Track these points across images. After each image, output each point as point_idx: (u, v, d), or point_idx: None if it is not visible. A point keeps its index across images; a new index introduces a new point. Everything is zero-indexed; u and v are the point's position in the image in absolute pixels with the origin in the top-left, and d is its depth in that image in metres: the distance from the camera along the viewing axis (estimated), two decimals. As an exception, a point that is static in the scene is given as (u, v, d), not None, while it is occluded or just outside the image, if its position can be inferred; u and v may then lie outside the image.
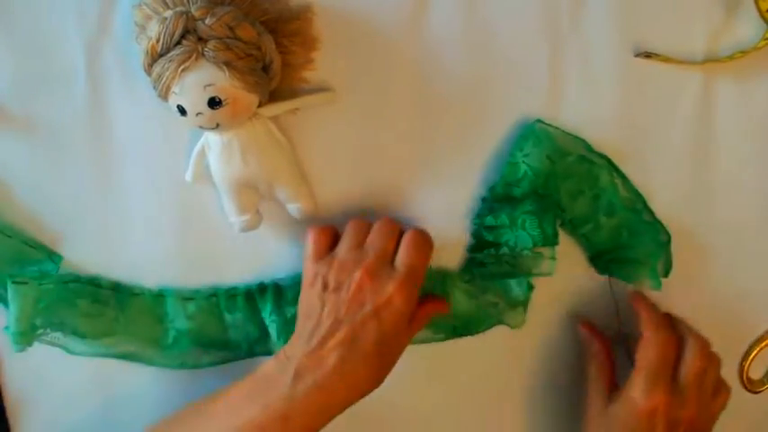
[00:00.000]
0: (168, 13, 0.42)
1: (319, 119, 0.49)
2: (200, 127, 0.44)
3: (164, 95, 0.43)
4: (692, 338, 0.48)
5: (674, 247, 0.51)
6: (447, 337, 0.53)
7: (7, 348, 0.53)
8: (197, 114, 0.43)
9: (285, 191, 0.48)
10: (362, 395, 0.44)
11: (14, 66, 0.48)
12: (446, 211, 0.51)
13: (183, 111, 0.43)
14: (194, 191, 0.50)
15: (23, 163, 0.50)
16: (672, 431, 0.46)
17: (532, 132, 0.48)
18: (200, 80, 0.42)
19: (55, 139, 0.50)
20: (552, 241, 0.47)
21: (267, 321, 0.50)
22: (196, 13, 0.41)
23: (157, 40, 0.41)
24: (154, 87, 0.43)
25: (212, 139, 0.46)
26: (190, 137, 0.49)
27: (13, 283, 0.48)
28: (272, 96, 0.46)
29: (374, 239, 0.47)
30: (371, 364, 0.44)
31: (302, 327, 0.46)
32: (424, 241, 0.47)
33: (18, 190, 0.51)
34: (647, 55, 0.47)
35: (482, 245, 0.50)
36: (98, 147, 0.50)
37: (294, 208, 0.49)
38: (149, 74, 0.43)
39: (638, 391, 0.46)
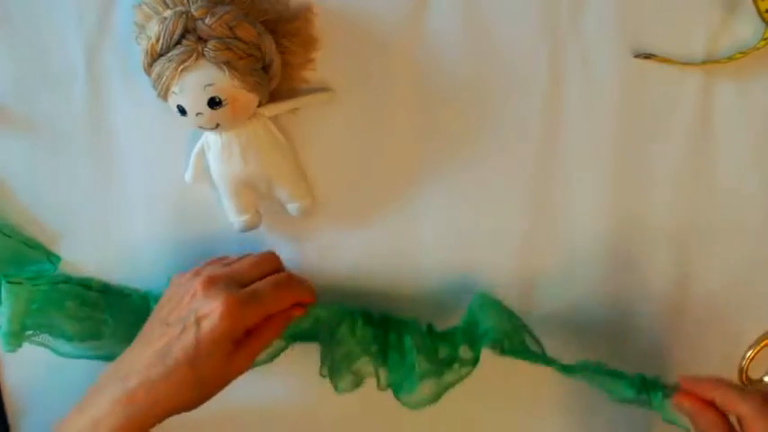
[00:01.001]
0: (168, 13, 0.42)
1: (319, 119, 0.49)
2: (200, 127, 0.44)
3: (163, 95, 0.43)
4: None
5: (674, 246, 0.51)
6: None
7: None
8: (197, 114, 0.43)
9: (285, 190, 0.48)
10: (173, 410, 0.43)
11: (14, 66, 0.48)
12: (446, 211, 0.51)
13: (182, 111, 0.43)
14: (194, 191, 0.50)
15: (23, 163, 0.50)
16: None
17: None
18: (199, 80, 0.42)
19: (55, 139, 0.50)
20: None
21: None
22: (196, 13, 0.41)
23: (157, 40, 0.42)
24: (154, 87, 0.43)
25: (212, 139, 0.46)
26: (190, 137, 0.49)
27: (8, 282, 0.48)
28: (272, 96, 0.46)
29: (240, 261, 0.47)
30: (180, 376, 0.42)
31: (141, 332, 0.46)
32: (291, 285, 0.46)
33: (18, 190, 0.51)
34: (647, 55, 0.47)
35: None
36: (98, 147, 0.50)
37: (294, 207, 0.49)
38: (149, 74, 0.43)
39: None
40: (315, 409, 0.56)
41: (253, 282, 0.45)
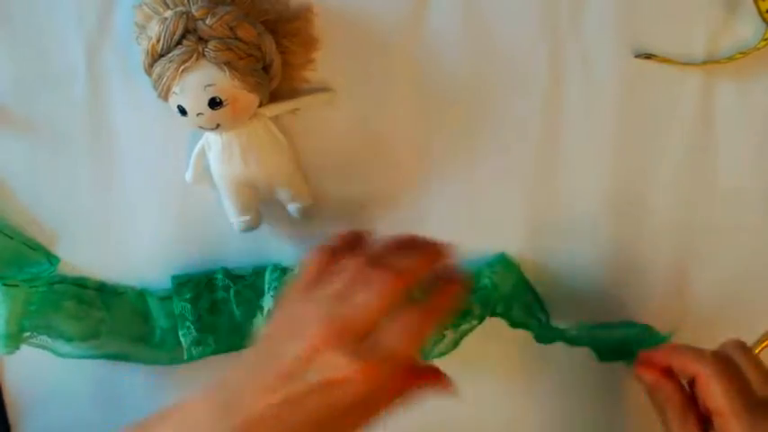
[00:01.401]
0: (168, 14, 0.42)
1: (319, 119, 0.49)
2: (201, 127, 0.44)
3: (164, 96, 0.43)
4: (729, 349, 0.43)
5: (674, 246, 0.51)
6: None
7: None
8: (197, 114, 0.43)
9: (285, 191, 0.48)
10: None
11: (14, 66, 0.48)
12: (446, 211, 0.51)
13: (183, 111, 0.43)
14: (194, 191, 0.50)
15: (23, 163, 0.50)
16: None
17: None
18: (200, 80, 0.42)
19: (55, 139, 0.50)
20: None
21: (266, 293, 0.50)
22: (196, 14, 0.41)
23: (158, 41, 0.41)
24: (154, 88, 0.43)
25: (212, 140, 0.46)
26: (190, 137, 0.49)
27: (4, 285, 0.48)
28: (272, 96, 0.46)
29: (365, 292, 0.38)
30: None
31: (252, 355, 0.39)
32: (426, 325, 0.39)
33: (18, 190, 0.51)
34: (648, 55, 0.47)
35: None
36: (98, 147, 0.50)
37: (294, 208, 0.49)
38: (149, 74, 0.43)
39: None
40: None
41: (379, 320, 0.37)
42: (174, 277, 0.51)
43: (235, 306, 0.51)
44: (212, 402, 0.38)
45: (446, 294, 0.41)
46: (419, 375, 0.40)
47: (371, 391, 0.36)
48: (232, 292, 0.51)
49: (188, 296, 0.50)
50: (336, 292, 0.38)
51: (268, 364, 0.38)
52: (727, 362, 0.43)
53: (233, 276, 0.51)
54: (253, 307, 0.51)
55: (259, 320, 0.51)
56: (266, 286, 0.50)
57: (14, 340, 0.49)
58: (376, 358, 0.36)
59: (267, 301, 0.50)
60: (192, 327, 0.50)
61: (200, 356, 0.51)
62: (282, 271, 0.51)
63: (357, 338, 0.37)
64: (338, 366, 0.36)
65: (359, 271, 0.39)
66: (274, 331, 0.40)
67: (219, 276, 0.51)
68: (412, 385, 0.39)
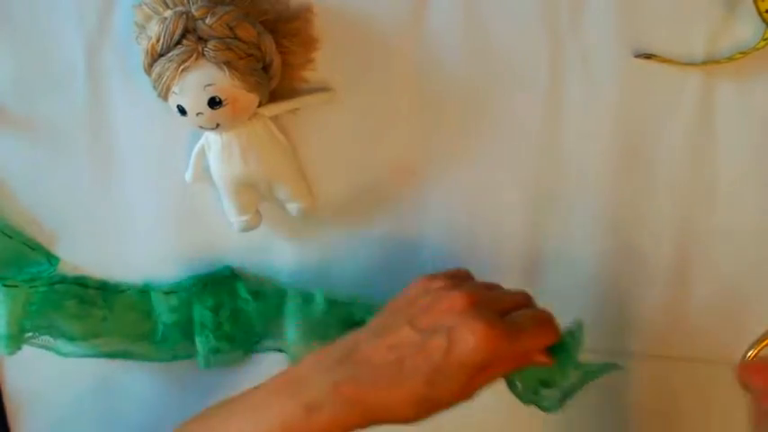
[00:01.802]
0: (168, 13, 0.42)
1: (319, 119, 0.49)
2: (200, 127, 0.44)
3: (164, 95, 0.43)
4: None
5: (674, 246, 0.51)
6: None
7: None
8: (197, 114, 0.43)
9: (285, 190, 0.48)
10: (389, 420, 0.39)
11: (14, 66, 0.48)
12: (446, 211, 0.51)
13: (183, 111, 0.43)
14: (194, 191, 0.50)
15: (23, 163, 0.50)
16: None
17: None
18: (200, 80, 0.42)
19: (55, 139, 0.50)
20: None
21: (288, 321, 0.49)
22: (196, 13, 0.41)
23: (157, 40, 0.42)
24: (154, 87, 0.43)
25: (212, 139, 0.46)
26: (190, 137, 0.49)
27: (4, 286, 0.48)
28: (272, 96, 0.46)
29: (499, 289, 0.43)
30: (412, 389, 0.39)
31: (373, 324, 0.42)
32: (551, 325, 0.42)
33: (18, 190, 0.51)
34: (648, 55, 0.47)
35: None
36: (98, 147, 0.50)
37: (294, 207, 0.49)
38: (149, 74, 0.43)
39: None
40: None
41: (509, 309, 0.41)
42: (193, 278, 0.51)
43: (255, 320, 0.51)
44: (330, 354, 0.41)
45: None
46: (523, 359, 0.42)
47: (489, 357, 0.38)
48: (252, 306, 0.51)
49: (209, 304, 0.50)
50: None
51: (396, 323, 0.40)
52: None
53: (255, 292, 0.51)
54: (272, 323, 0.51)
55: (278, 343, 0.51)
56: (288, 315, 0.50)
57: (16, 341, 0.49)
58: (505, 330, 0.39)
59: (290, 332, 0.49)
60: (212, 335, 0.50)
61: (217, 365, 0.51)
62: (304, 300, 0.50)
63: (490, 309, 0.40)
64: (469, 322, 0.38)
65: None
66: (400, 306, 0.42)
67: (241, 288, 0.51)
68: (514, 365, 0.42)
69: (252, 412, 0.40)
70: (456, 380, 0.39)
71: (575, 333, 0.44)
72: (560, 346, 0.43)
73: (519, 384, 0.45)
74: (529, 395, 0.45)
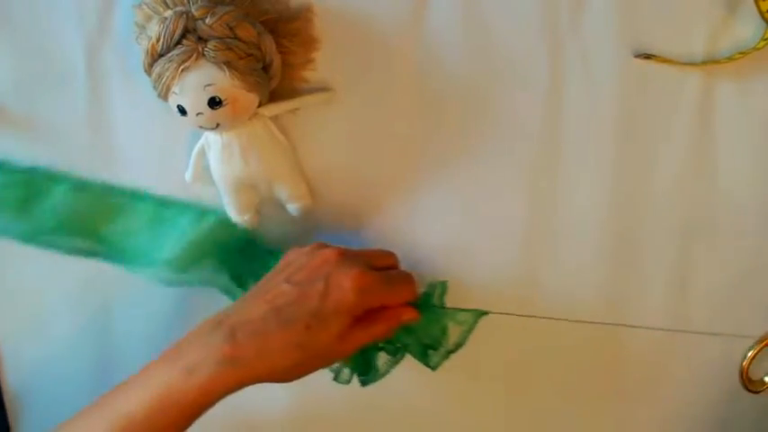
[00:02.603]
0: (168, 13, 0.42)
1: (319, 119, 0.49)
2: (200, 127, 0.44)
3: (164, 95, 0.43)
4: None
5: (674, 245, 0.51)
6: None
7: (7, 346, 0.53)
8: (197, 114, 0.43)
9: (285, 190, 0.48)
10: (273, 374, 0.41)
11: (14, 66, 0.48)
12: (446, 211, 0.51)
13: (183, 111, 0.43)
14: (194, 191, 0.50)
15: (23, 163, 0.50)
16: None
17: None
18: (200, 80, 0.42)
19: (55, 139, 0.50)
20: None
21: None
22: (196, 13, 0.41)
23: (157, 40, 0.42)
24: (154, 87, 0.43)
25: (212, 139, 0.46)
26: (190, 137, 0.49)
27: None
28: (272, 96, 0.46)
29: (367, 250, 0.46)
30: (293, 335, 0.41)
31: (251, 290, 0.44)
32: (413, 282, 0.46)
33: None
34: (647, 56, 0.47)
35: None
36: (98, 147, 0.50)
37: (294, 207, 0.49)
38: (149, 74, 0.43)
39: None
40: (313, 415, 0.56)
41: (377, 267, 0.45)
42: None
43: None
44: (207, 324, 0.42)
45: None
46: (394, 317, 0.45)
47: (364, 299, 0.42)
48: None
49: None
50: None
51: (271, 285, 0.43)
52: None
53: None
54: None
55: None
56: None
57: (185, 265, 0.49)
58: (376, 275, 0.43)
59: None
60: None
61: None
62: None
63: (362, 261, 0.43)
64: (344, 269, 0.42)
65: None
66: (276, 271, 0.45)
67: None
68: (387, 324, 0.44)
69: (140, 382, 0.41)
70: (335, 324, 0.41)
71: (437, 289, 0.49)
72: (425, 304, 0.48)
73: (407, 347, 0.49)
74: (418, 357, 0.49)
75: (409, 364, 0.49)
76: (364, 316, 0.43)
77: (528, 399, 0.55)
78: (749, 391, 0.54)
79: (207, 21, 0.41)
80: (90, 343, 0.53)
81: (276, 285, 0.43)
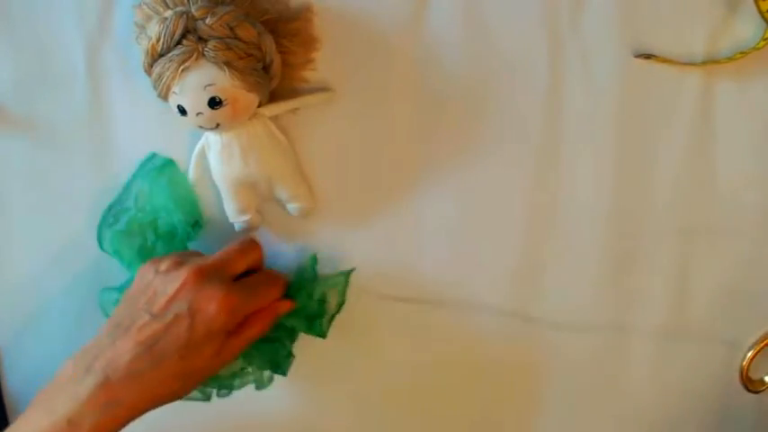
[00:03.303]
0: (168, 13, 0.42)
1: (319, 119, 0.49)
2: (201, 127, 0.44)
3: (164, 95, 0.43)
4: None
5: (674, 246, 0.51)
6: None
7: (7, 346, 0.53)
8: (197, 114, 0.43)
9: (285, 190, 0.48)
10: (156, 403, 0.42)
11: (14, 66, 0.48)
12: (446, 211, 0.51)
13: (183, 111, 0.43)
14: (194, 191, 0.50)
15: (23, 163, 0.50)
16: None
17: None
18: (200, 80, 0.42)
19: (55, 139, 0.50)
20: None
21: None
22: (196, 13, 0.41)
23: (158, 40, 0.42)
24: (154, 87, 0.43)
25: (212, 139, 0.46)
26: (190, 137, 0.49)
27: None
28: (272, 96, 0.46)
29: (224, 251, 0.46)
30: (169, 368, 0.41)
31: (111, 321, 0.43)
32: (279, 279, 0.46)
33: (17, 190, 0.51)
34: (647, 55, 0.47)
35: None
36: (98, 147, 0.50)
37: (294, 207, 0.49)
38: (149, 74, 0.43)
39: None
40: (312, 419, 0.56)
41: (239, 272, 0.45)
42: None
43: None
44: (75, 368, 0.41)
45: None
46: (268, 315, 0.46)
47: (232, 318, 0.42)
48: None
49: None
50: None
51: (134, 317, 0.42)
52: None
53: None
54: None
55: None
56: None
57: None
58: (239, 290, 0.43)
59: None
60: None
61: None
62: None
63: (222, 276, 0.43)
64: (205, 292, 0.42)
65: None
66: (134, 296, 0.44)
67: None
68: (261, 324, 0.45)
69: (45, 413, 0.40)
70: (209, 348, 0.42)
71: (307, 265, 0.50)
72: (297, 287, 0.49)
73: (294, 328, 0.50)
74: (306, 331, 0.50)
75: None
76: (239, 323, 0.44)
77: (529, 398, 0.55)
78: (749, 391, 0.54)
79: (207, 21, 0.41)
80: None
81: (139, 316, 0.42)
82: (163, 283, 0.43)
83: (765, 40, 0.46)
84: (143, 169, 0.49)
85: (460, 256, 0.52)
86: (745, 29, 0.47)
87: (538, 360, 0.54)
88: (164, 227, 0.49)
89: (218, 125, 0.44)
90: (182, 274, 0.43)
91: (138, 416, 0.41)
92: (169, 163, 0.49)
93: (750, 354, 0.53)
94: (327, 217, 0.51)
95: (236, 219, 0.49)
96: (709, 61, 0.47)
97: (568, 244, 0.51)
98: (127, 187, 0.50)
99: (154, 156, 0.50)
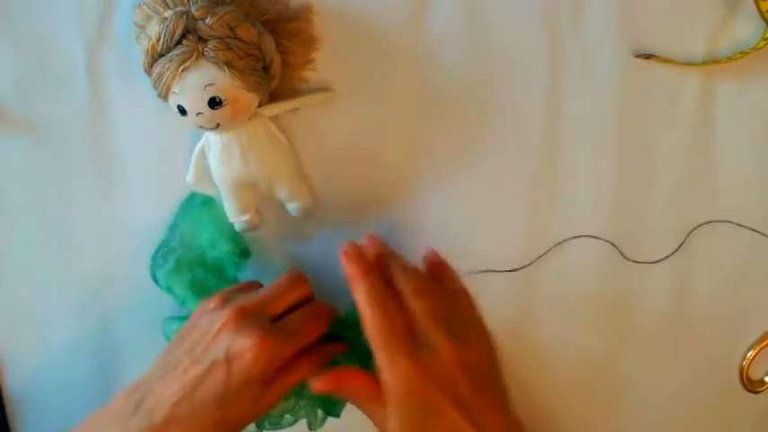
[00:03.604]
0: (168, 13, 0.42)
1: (319, 119, 0.49)
2: (201, 127, 0.44)
3: (164, 95, 0.43)
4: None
5: (674, 246, 0.51)
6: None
7: (7, 348, 0.53)
8: (197, 114, 0.43)
9: (285, 190, 0.48)
10: None
11: (14, 66, 0.48)
12: (446, 211, 0.51)
13: (183, 111, 0.43)
14: (194, 191, 0.50)
15: (23, 163, 0.50)
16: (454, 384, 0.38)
17: None
18: (200, 80, 0.42)
19: (55, 139, 0.50)
20: None
21: None
22: (196, 13, 0.41)
23: (158, 40, 0.41)
24: (154, 87, 0.43)
25: (212, 140, 0.46)
26: (190, 137, 0.49)
27: None
28: (272, 96, 0.46)
29: (270, 287, 0.44)
30: (208, 416, 0.40)
31: (163, 357, 0.43)
32: (324, 316, 0.44)
33: (17, 190, 0.51)
34: (647, 55, 0.47)
35: None
36: (98, 147, 0.50)
37: (294, 207, 0.49)
38: (149, 74, 0.43)
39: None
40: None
41: (283, 311, 0.43)
42: None
43: None
44: (127, 403, 0.41)
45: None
46: (314, 359, 0.43)
47: (269, 365, 0.40)
48: None
49: None
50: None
51: (179, 357, 0.41)
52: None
53: None
54: None
55: None
56: None
57: None
58: (277, 334, 0.40)
59: None
60: None
61: None
62: None
63: (261, 318, 0.41)
64: (241, 338, 0.40)
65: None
66: (184, 334, 0.43)
67: None
68: (307, 368, 0.43)
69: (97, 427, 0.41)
70: (246, 396, 0.40)
71: (348, 315, 0.46)
72: (349, 322, 0.45)
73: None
74: (362, 365, 0.44)
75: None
76: (280, 367, 0.42)
77: (537, 397, 0.55)
78: (749, 391, 0.54)
79: (207, 21, 0.41)
80: (91, 348, 0.53)
81: (183, 357, 0.42)
82: (207, 324, 0.42)
83: (765, 40, 0.46)
84: (184, 209, 0.50)
85: (461, 256, 0.52)
86: (745, 29, 0.47)
87: (536, 361, 0.54)
88: (212, 260, 0.49)
89: (218, 125, 0.44)
90: (223, 316, 0.41)
91: None
92: (209, 200, 0.50)
93: (750, 354, 0.53)
94: (327, 217, 0.51)
95: (236, 219, 0.49)
96: (710, 61, 0.47)
97: (568, 243, 0.51)
98: (171, 228, 0.50)
99: (193, 195, 0.50)
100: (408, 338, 0.39)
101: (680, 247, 0.51)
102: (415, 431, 0.38)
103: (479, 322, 0.43)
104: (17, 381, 0.54)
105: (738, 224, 0.51)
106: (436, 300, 0.41)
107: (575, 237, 0.51)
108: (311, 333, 0.43)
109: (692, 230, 0.51)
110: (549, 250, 0.51)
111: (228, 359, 0.40)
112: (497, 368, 0.42)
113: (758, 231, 0.51)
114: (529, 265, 0.51)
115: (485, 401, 0.39)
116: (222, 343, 0.40)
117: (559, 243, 0.51)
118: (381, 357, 0.39)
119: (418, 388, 0.38)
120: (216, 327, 0.41)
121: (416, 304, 0.40)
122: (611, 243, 0.51)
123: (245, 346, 0.40)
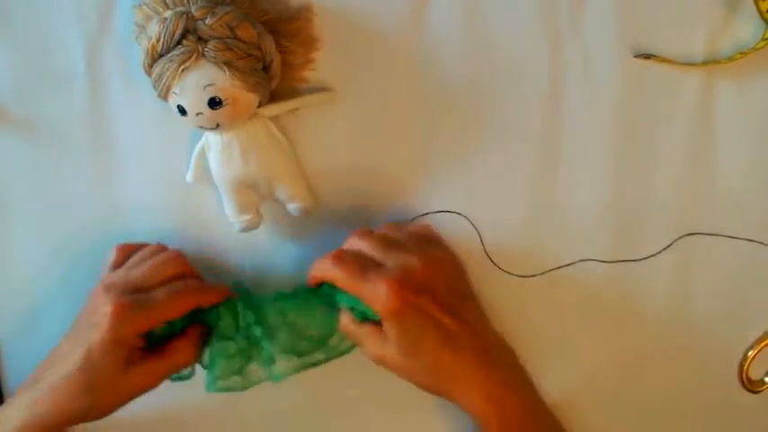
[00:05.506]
0: (168, 13, 0.42)
1: (319, 119, 0.49)
2: (201, 127, 0.44)
3: (164, 96, 0.43)
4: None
5: (674, 246, 0.51)
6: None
7: (7, 345, 0.53)
8: (197, 114, 0.43)
9: (285, 190, 0.48)
10: (70, 417, 0.44)
11: (14, 66, 0.48)
12: (446, 212, 0.51)
13: (183, 111, 0.43)
14: (195, 191, 0.50)
15: (23, 163, 0.50)
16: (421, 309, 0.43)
17: None
18: (200, 80, 0.42)
19: (55, 139, 0.50)
20: None
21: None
22: (196, 13, 0.41)
23: (158, 40, 0.42)
24: (154, 87, 0.43)
25: (212, 140, 0.46)
26: (190, 137, 0.49)
27: None
28: (272, 96, 0.46)
29: (141, 266, 0.46)
30: (74, 382, 0.43)
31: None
32: (187, 291, 0.45)
33: (18, 190, 0.51)
34: (647, 55, 0.47)
35: None
36: (98, 147, 0.50)
37: (294, 207, 0.49)
38: (149, 74, 0.43)
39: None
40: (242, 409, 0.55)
41: (153, 287, 0.45)
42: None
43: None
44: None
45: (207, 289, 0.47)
46: (192, 342, 0.46)
47: (123, 329, 0.43)
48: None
49: None
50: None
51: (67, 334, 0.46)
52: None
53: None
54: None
55: None
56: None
57: None
58: (132, 303, 0.43)
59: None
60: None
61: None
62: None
63: (124, 290, 0.44)
64: (101, 306, 0.43)
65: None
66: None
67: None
68: (185, 350, 0.46)
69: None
70: (107, 361, 0.43)
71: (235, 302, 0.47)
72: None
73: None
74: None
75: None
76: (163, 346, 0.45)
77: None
78: (749, 391, 0.54)
79: (207, 21, 0.41)
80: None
81: (65, 336, 0.46)
82: (87, 302, 0.46)
83: (765, 40, 0.46)
84: None
85: (460, 256, 0.52)
86: (745, 29, 0.47)
87: (545, 354, 0.54)
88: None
89: (218, 125, 0.44)
90: (94, 292, 0.45)
91: (59, 427, 0.44)
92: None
93: (750, 354, 0.53)
94: (327, 217, 0.51)
95: (236, 219, 0.49)
96: (710, 61, 0.47)
97: (568, 243, 0.51)
98: None
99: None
100: (379, 268, 0.43)
101: (672, 243, 0.51)
102: (410, 333, 0.43)
103: (443, 244, 0.49)
104: (17, 379, 0.54)
105: (738, 224, 0.51)
106: (394, 230, 0.47)
107: (576, 235, 0.51)
108: (173, 307, 0.45)
109: (692, 230, 0.51)
110: (559, 267, 0.51)
111: (89, 326, 0.43)
112: (466, 279, 0.48)
113: (755, 241, 0.51)
114: (541, 274, 0.51)
115: (461, 302, 0.45)
116: (89, 315, 0.44)
117: (567, 265, 0.51)
118: (365, 292, 0.43)
119: (402, 297, 0.42)
120: (90, 303, 0.45)
121: (377, 237, 0.45)
122: (611, 243, 0.51)
123: (102, 313, 0.43)
